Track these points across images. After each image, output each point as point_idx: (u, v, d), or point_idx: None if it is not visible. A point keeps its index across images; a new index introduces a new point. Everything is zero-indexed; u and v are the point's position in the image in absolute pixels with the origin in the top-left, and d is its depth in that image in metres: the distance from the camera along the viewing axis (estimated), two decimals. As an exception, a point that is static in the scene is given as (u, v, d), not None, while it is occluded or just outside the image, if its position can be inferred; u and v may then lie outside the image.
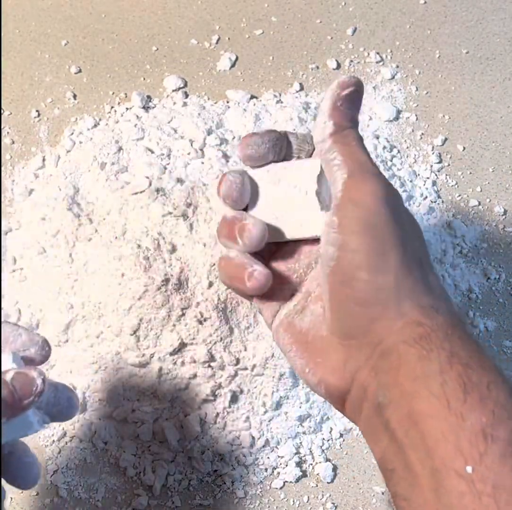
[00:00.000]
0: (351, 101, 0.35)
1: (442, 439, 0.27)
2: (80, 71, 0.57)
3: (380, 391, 0.30)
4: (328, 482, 0.50)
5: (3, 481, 0.33)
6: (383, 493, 0.50)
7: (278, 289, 0.36)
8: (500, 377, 0.29)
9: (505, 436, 0.26)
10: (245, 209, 0.37)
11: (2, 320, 0.31)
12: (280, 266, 0.37)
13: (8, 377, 0.30)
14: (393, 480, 0.29)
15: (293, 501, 0.49)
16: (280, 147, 0.36)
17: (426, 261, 0.34)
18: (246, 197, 0.36)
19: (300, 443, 0.50)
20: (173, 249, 0.46)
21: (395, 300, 0.31)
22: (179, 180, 0.49)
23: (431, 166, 0.58)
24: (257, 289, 0.35)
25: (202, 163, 0.51)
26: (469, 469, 0.25)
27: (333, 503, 0.49)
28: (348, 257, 0.32)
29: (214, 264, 0.45)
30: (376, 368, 0.31)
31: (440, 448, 0.27)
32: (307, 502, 0.49)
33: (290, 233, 0.36)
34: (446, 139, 0.59)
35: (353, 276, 0.32)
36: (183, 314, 0.46)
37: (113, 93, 0.57)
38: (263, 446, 0.49)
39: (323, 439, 0.50)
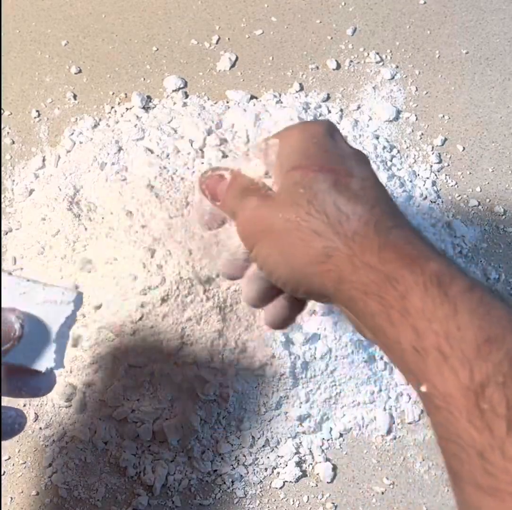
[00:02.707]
0: (212, 189, 0.38)
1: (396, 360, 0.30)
2: (80, 71, 0.57)
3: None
4: (328, 482, 0.50)
5: None
6: (383, 493, 0.50)
7: None
8: (410, 278, 0.29)
9: (432, 344, 0.27)
10: None
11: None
12: None
13: None
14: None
15: (293, 501, 0.49)
16: None
17: (331, 183, 0.34)
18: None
19: (300, 443, 0.50)
20: (173, 249, 0.46)
21: (297, 278, 0.34)
22: (179, 180, 0.49)
23: (431, 166, 0.58)
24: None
25: (202, 163, 0.51)
26: (423, 388, 0.28)
27: (333, 503, 0.49)
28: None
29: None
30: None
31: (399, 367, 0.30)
32: (307, 502, 0.49)
33: None
34: (446, 139, 0.59)
35: (275, 281, 0.35)
36: (183, 314, 0.46)
37: (113, 93, 0.57)
38: (263, 446, 0.49)
39: (323, 439, 0.50)
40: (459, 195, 0.57)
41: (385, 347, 0.30)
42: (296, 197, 0.33)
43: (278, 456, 0.49)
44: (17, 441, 0.48)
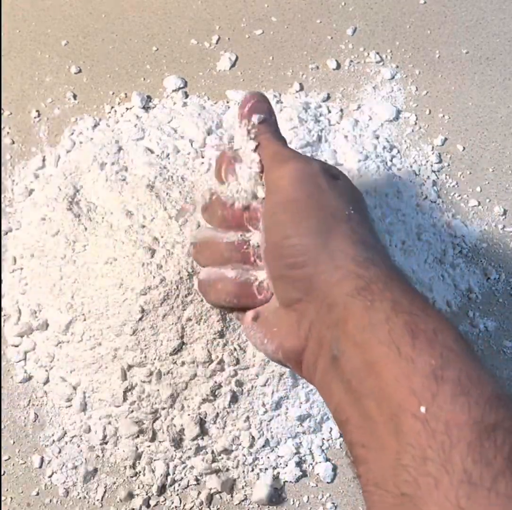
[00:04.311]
0: (256, 110, 0.39)
1: (396, 383, 0.28)
2: (80, 71, 0.57)
3: (333, 344, 0.31)
4: (328, 482, 0.50)
5: None
6: (383, 493, 0.50)
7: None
8: (445, 323, 0.29)
9: (454, 376, 0.27)
10: None
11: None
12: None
13: None
14: (348, 429, 0.30)
15: (293, 501, 0.49)
16: None
17: (362, 220, 0.35)
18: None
19: (300, 443, 0.50)
20: (173, 249, 0.46)
21: (326, 256, 0.33)
22: (179, 180, 0.49)
23: (431, 166, 0.58)
24: (269, 297, 0.37)
25: (202, 163, 0.51)
26: (423, 409, 0.26)
27: (333, 503, 0.49)
28: (274, 233, 0.35)
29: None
30: (326, 322, 0.32)
31: (395, 392, 0.27)
32: (307, 502, 0.49)
33: None
34: (446, 139, 0.59)
35: (282, 246, 0.34)
36: (183, 314, 0.46)
37: (113, 93, 0.57)
38: (263, 446, 0.49)
39: (323, 439, 0.50)
40: (459, 195, 0.57)
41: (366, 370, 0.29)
42: (353, 200, 0.36)
43: (278, 456, 0.49)
44: (17, 441, 0.49)
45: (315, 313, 0.33)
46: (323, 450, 0.50)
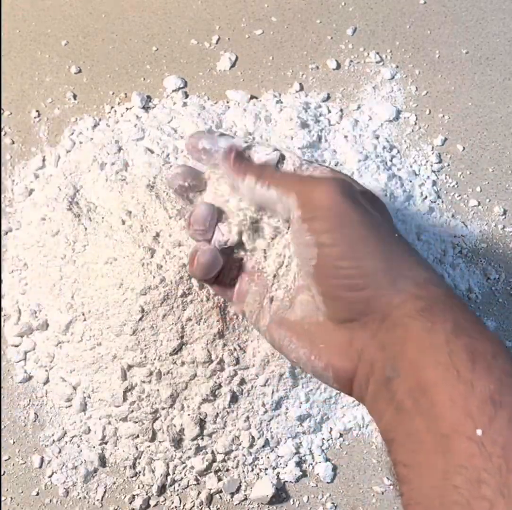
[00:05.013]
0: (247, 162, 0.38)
1: (452, 405, 0.27)
2: (80, 71, 0.57)
3: (388, 365, 0.31)
4: (328, 482, 0.50)
5: None
6: (383, 493, 0.50)
7: (250, 287, 0.38)
8: (502, 347, 0.30)
9: None
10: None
11: None
12: (250, 263, 0.39)
13: None
14: (393, 448, 0.30)
15: (293, 501, 0.49)
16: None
17: (402, 238, 0.35)
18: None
19: (300, 443, 0.50)
20: (173, 249, 0.46)
21: (388, 280, 0.32)
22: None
23: (431, 166, 0.58)
24: (204, 264, 0.37)
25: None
26: (479, 432, 0.26)
27: (333, 503, 0.49)
28: (327, 252, 0.33)
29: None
30: (383, 343, 0.31)
31: (450, 414, 0.27)
32: (307, 502, 0.49)
33: None
34: (446, 139, 0.59)
35: (339, 266, 0.33)
36: (183, 314, 0.46)
37: (113, 93, 0.57)
38: (263, 446, 0.49)
39: (323, 439, 0.50)
40: (459, 195, 0.57)
41: (405, 396, 0.29)
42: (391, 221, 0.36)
43: (278, 456, 0.49)
44: (17, 441, 0.49)
45: (370, 335, 0.32)
46: (323, 450, 0.50)
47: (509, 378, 0.28)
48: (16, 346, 0.49)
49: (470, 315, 0.31)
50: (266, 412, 0.48)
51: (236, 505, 0.49)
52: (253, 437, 0.49)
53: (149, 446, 0.48)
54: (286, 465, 0.50)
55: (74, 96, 0.56)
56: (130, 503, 0.48)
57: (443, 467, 0.27)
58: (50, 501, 0.48)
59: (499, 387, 0.27)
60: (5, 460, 0.48)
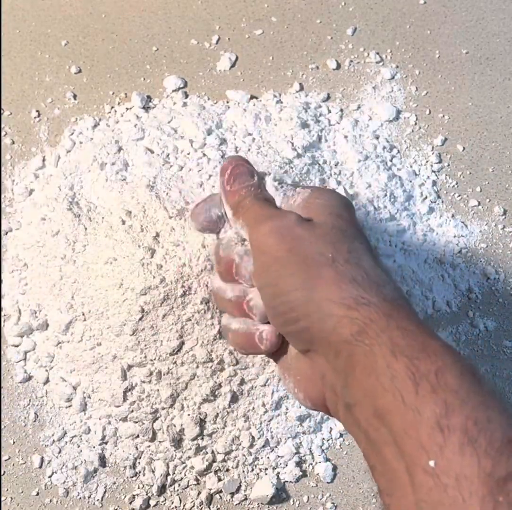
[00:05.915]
0: (237, 176, 0.39)
1: (405, 435, 0.27)
2: (80, 71, 0.57)
3: (345, 392, 0.31)
4: (328, 482, 0.50)
5: None
6: (383, 493, 0.50)
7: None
8: (448, 359, 0.28)
9: (460, 424, 0.26)
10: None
11: None
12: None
13: None
14: (375, 476, 0.29)
15: (293, 501, 0.49)
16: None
17: (352, 249, 0.34)
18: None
19: (300, 443, 0.50)
20: (173, 249, 0.46)
21: (313, 308, 0.32)
22: (179, 180, 0.49)
23: (431, 166, 0.58)
24: (274, 346, 0.37)
25: (202, 163, 0.51)
26: (431, 463, 0.26)
27: (333, 503, 0.49)
28: (263, 293, 0.36)
29: (212, 266, 0.45)
30: (335, 368, 0.32)
31: (407, 444, 0.27)
32: (307, 502, 0.49)
33: None
34: (446, 139, 0.59)
35: (275, 305, 0.35)
36: (183, 314, 0.46)
37: (113, 93, 0.57)
38: (263, 446, 0.49)
39: (323, 439, 0.50)
40: (459, 195, 0.57)
41: (384, 412, 0.28)
42: (335, 239, 0.34)
43: (278, 456, 0.49)
44: (17, 441, 0.49)
45: (325, 360, 0.32)
46: (323, 450, 0.50)
47: (455, 397, 0.27)
48: (16, 346, 0.49)
49: (410, 330, 0.30)
50: (266, 412, 0.48)
51: (236, 505, 0.49)
52: (253, 437, 0.49)
53: (149, 446, 0.48)
54: (286, 465, 0.50)
55: (74, 96, 0.56)
56: (130, 503, 0.48)
57: (414, 498, 0.26)
58: (50, 501, 0.48)
59: (445, 410, 0.26)
60: (5, 460, 0.48)
